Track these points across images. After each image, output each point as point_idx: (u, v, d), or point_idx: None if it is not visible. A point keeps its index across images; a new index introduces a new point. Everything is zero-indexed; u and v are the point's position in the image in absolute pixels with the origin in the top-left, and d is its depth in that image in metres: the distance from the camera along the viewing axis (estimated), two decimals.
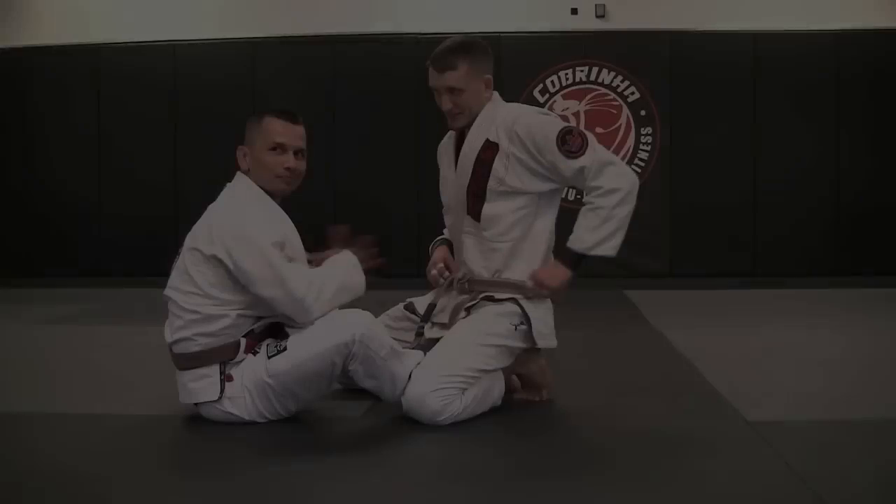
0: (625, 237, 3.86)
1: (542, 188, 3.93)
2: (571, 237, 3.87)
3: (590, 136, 3.88)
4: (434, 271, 4.14)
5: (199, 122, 9.97)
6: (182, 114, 10.04)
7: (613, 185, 3.80)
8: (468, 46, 3.95)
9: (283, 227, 3.73)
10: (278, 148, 3.76)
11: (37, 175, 10.22)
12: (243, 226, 3.58)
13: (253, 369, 3.58)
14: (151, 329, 5.73)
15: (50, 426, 3.77)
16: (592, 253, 3.84)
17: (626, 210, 3.83)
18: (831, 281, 9.46)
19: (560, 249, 3.94)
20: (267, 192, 3.78)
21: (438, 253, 4.22)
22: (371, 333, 3.55)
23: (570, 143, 3.82)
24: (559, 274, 3.89)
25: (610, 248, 3.85)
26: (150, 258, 9.48)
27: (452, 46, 3.94)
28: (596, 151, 3.83)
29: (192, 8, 10.13)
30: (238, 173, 3.83)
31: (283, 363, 3.53)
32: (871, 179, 9.64)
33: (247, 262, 3.52)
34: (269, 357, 3.55)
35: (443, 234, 4.34)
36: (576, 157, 3.81)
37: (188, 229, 3.71)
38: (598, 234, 3.81)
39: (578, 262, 3.89)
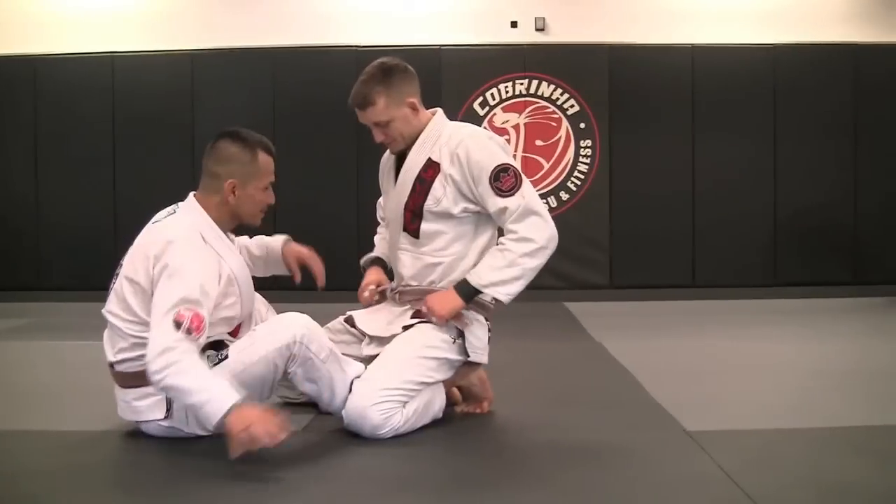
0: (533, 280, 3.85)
1: (474, 210, 3.92)
2: (472, 270, 3.85)
3: (525, 179, 3.85)
4: (366, 293, 4.11)
5: (138, 133, 9.83)
6: (120, 126, 9.90)
7: (529, 235, 3.78)
8: (382, 76, 3.88)
9: (233, 264, 3.64)
10: (270, 186, 3.75)
11: None
12: (182, 270, 3.41)
13: None
14: (87, 344, 5.66)
15: None
16: (486, 291, 3.80)
17: (534, 263, 3.81)
18: (769, 291, 9.57)
19: (459, 281, 3.88)
20: (229, 223, 3.72)
21: (373, 275, 4.19)
22: (311, 335, 3.54)
23: (502, 180, 3.80)
24: (450, 301, 3.83)
25: (504, 293, 3.81)
26: (89, 272, 9.42)
27: (366, 80, 3.89)
28: (525, 196, 3.80)
29: (131, 20, 10.02)
30: (192, 200, 3.69)
31: (225, 372, 3.49)
32: (808, 190, 9.74)
33: (159, 295, 3.39)
34: (211, 368, 3.52)
35: (375, 245, 4.35)
36: (503, 197, 3.80)
37: (128, 241, 3.64)
38: (498, 275, 3.79)
39: (472, 296, 3.83)
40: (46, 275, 9.98)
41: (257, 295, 3.99)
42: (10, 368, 5.71)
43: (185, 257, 3.44)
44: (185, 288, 3.37)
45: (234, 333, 3.71)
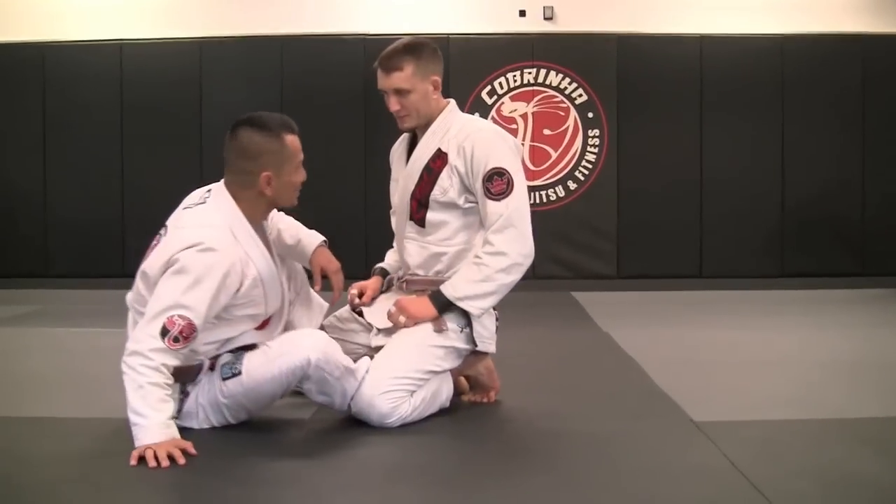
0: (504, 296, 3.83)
1: (476, 201, 3.91)
2: (448, 281, 3.84)
3: (518, 189, 3.82)
4: (352, 291, 4.12)
5: (145, 121, 9.83)
6: (128, 113, 9.90)
7: (504, 249, 3.77)
8: (415, 47, 3.92)
9: (259, 264, 3.55)
10: (300, 164, 3.67)
11: None
12: (193, 273, 3.32)
13: (208, 388, 3.53)
14: (95, 331, 5.66)
15: None
16: (459, 304, 3.78)
17: (509, 279, 3.80)
18: (776, 282, 9.56)
19: (435, 290, 3.86)
20: (265, 212, 3.68)
21: (368, 282, 4.17)
22: (326, 357, 3.48)
23: (493, 182, 3.80)
24: (424, 309, 3.82)
25: (477, 307, 3.80)
26: (97, 259, 9.43)
27: (399, 47, 3.92)
28: (510, 206, 3.79)
29: (139, 7, 10.02)
30: (223, 191, 3.60)
31: (237, 387, 3.49)
32: (816, 181, 9.73)
33: (160, 289, 3.34)
34: (224, 379, 3.51)
35: (387, 256, 4.34)
36: (490, 199, 3.80)
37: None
38: (473, 289, 3.78)
39: (446, 308, 3.82)
40: (54, 262, 9.97)
41: (298, 269, 4.01)
42: (18, 355, 5.71)
43: (202, 264, 3.34)
44: (187, 292, 3.30)
45: (262, 327, 3.67)
